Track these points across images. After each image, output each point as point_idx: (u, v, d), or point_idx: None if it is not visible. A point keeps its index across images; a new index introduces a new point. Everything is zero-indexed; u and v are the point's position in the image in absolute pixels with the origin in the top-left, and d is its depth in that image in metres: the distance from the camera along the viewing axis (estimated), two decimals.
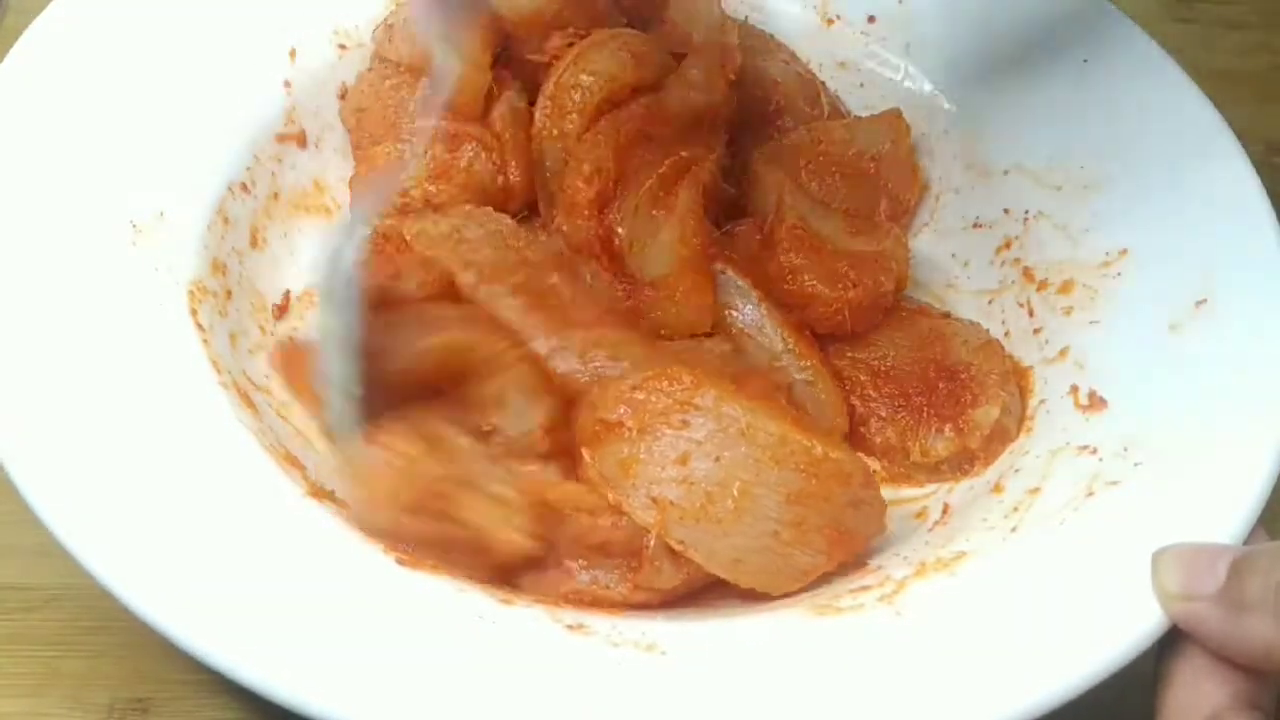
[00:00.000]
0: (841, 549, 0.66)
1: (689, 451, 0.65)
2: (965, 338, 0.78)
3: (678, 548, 0.65)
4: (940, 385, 0.77)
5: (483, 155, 0.79)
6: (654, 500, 0.65)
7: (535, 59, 0.82)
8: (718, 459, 0.65)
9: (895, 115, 0.87)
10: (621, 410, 0.67)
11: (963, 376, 0.77)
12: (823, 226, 0.80)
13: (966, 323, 0.80)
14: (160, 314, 0.69)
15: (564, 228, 0.76)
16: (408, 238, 0.74)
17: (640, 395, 0.67)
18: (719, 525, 0.65)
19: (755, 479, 0.65)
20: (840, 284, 0.77)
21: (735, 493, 0.65)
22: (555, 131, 0.78)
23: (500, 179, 0.79)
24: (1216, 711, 0.58)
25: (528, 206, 0.81)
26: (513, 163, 0.80)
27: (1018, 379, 0.77)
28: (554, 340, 0.69)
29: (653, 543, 0.65)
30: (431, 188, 0.79)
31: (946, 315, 0.81)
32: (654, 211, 0.76)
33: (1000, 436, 0.74)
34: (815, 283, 0.77)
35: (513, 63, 0.82)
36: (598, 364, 0.69)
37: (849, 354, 0.79)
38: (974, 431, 0.74)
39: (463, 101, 0.79)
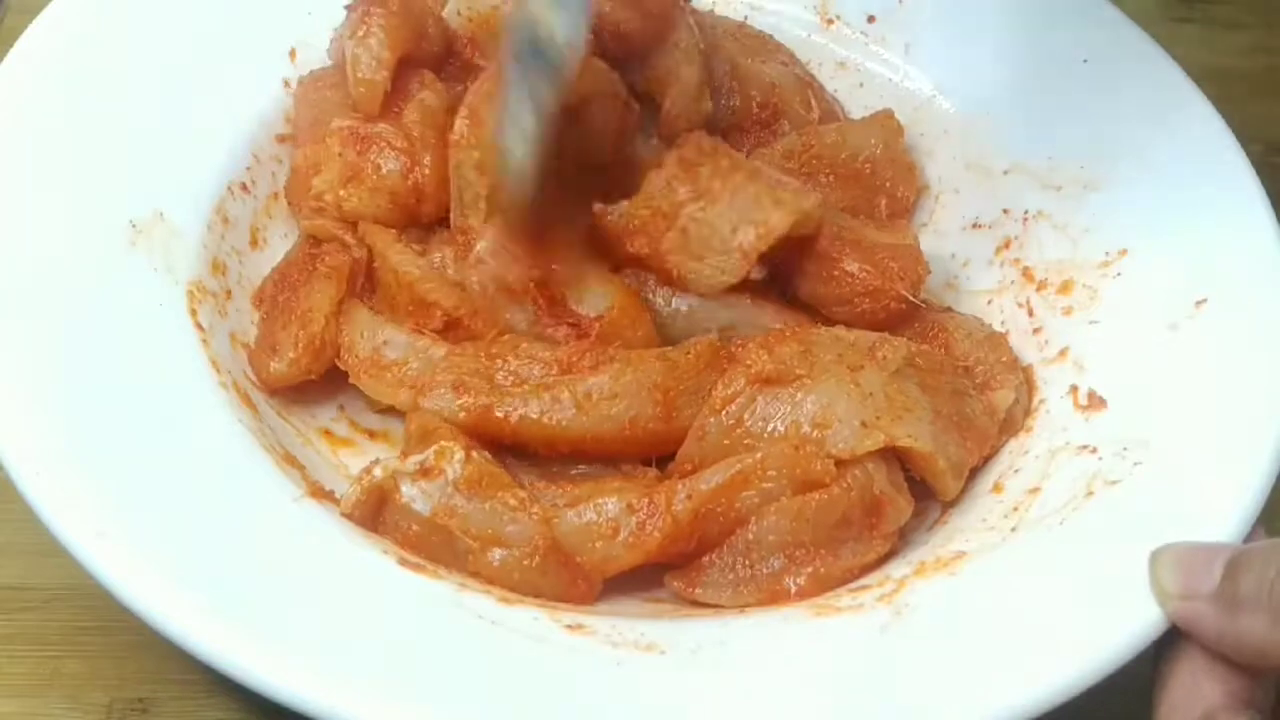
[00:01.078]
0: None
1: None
2: (969, 330, 0.78)
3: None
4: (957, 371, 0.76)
5: (391, 156, 0.77)
6: None
7: (484, 65, 0.80)
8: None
9: (887, 116, 0.87)
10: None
11: (971, 366, 0.76)
12: (850, 225, 0.79)
13: (969, 317, 0.80)
14: (160, 314, 0.69)
15: (490, 262, 0.73)
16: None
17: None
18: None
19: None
20: (887, 274, 0.77)
21: None
22: (472, 140, 0.75)
23: (410, 179, 0.77)
24: (1212, 710, 0.58)
25: (441, 209, 0.77)
26: (424, 161, 0.77)
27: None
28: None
29: None
30: (344, 193, 0.77)
31: (948, 309, 0.81)
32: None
33: (1009, 426, 0.74)
34: (868, 277, 0.76)
35: (466, 67, 0.81)
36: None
37: None
38: (994, 414, 0.73)
39: (361, 100, 0.78)
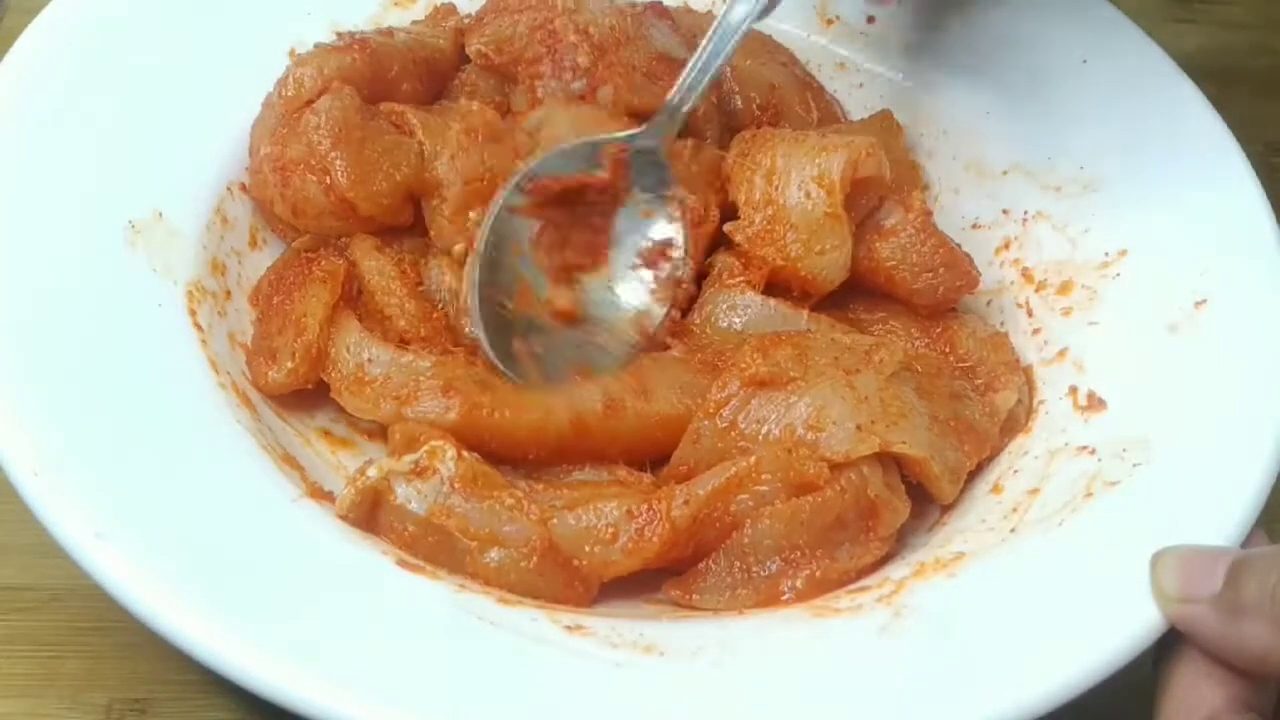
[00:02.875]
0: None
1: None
2: (972, 329, 0.78)
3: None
4: (956, 373, 0.77)
5: (309, 179, 0.75)
6: None
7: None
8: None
9: (887, 116, 0.87)
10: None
11: (974, 365, 0.76)
12: None
13: (972, 316, 0.80)
14: (159, 314, 0.69)
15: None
16: None
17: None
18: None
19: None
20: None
21: None
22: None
23: (331, 195, 0.75)
24: (1213, 714, 0.58)
25: (389, 209, 0.77)
26: (337, 169, 0.75)
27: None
28: None
29: None
30: (296, 221, 0.76)
31: (952, 309, 0.81)
32: None
33: (1011, 426, 0.74)
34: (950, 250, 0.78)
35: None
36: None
37: None
38: (995, 416, 0.74)
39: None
